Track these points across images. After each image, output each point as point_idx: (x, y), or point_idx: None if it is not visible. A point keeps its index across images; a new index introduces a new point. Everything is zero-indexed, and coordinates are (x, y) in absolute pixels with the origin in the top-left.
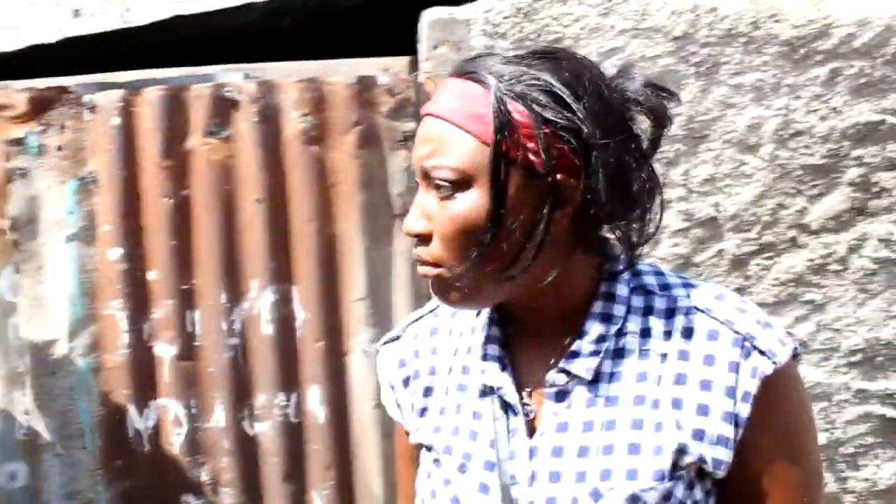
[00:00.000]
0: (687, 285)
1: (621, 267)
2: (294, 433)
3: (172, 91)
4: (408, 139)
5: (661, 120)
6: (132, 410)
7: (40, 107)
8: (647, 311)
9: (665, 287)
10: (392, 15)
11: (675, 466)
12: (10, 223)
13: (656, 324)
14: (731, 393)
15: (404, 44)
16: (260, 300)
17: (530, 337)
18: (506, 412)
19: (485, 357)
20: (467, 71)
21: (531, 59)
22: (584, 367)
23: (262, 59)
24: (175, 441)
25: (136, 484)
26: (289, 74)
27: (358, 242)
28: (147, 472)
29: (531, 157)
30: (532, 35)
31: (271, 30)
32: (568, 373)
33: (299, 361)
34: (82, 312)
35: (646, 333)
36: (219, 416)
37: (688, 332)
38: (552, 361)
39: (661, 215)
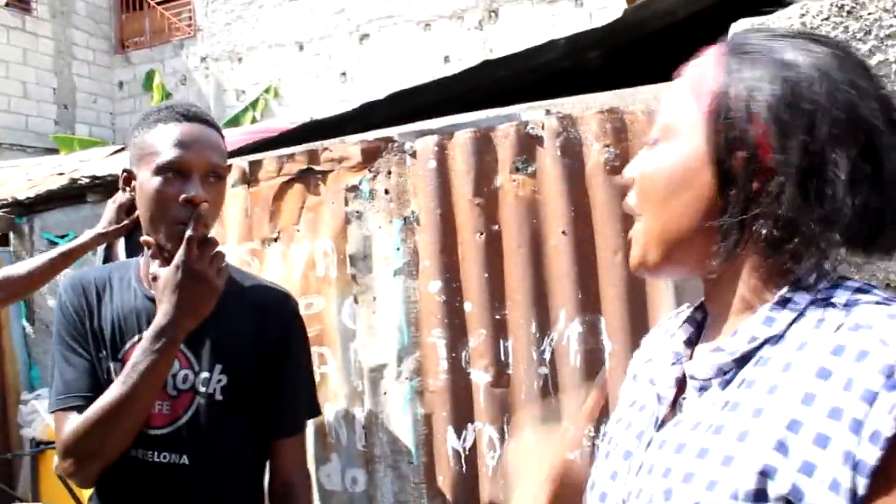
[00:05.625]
0: (884, 302)
1: (810, 279)
2: None
3: (480, 132)
4: None
5: None
6: (451, 431)
7: (370, 156)
8: (817, 324)
9: (853, 303)
10: (702, 33)
11: (760, 495)
12: (349, 260)
13: (818, 338)
14: (857, 428)
15: None
16: (568, 330)
17: (713, 336)
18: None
19: (662, 351)
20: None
21: (784, 36)
22: (714, 363)
23: (568, 95)
24: (489, 463)
25: (455, 500)
26: (588, 107)
27: None
28: (464, 489)
29: (732, 135)
30: (859, 34)
31: (575, 65)
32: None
33: (609, 393)
34: (408, 340)
35: (802, 346)
36: None
37: (839, 349)
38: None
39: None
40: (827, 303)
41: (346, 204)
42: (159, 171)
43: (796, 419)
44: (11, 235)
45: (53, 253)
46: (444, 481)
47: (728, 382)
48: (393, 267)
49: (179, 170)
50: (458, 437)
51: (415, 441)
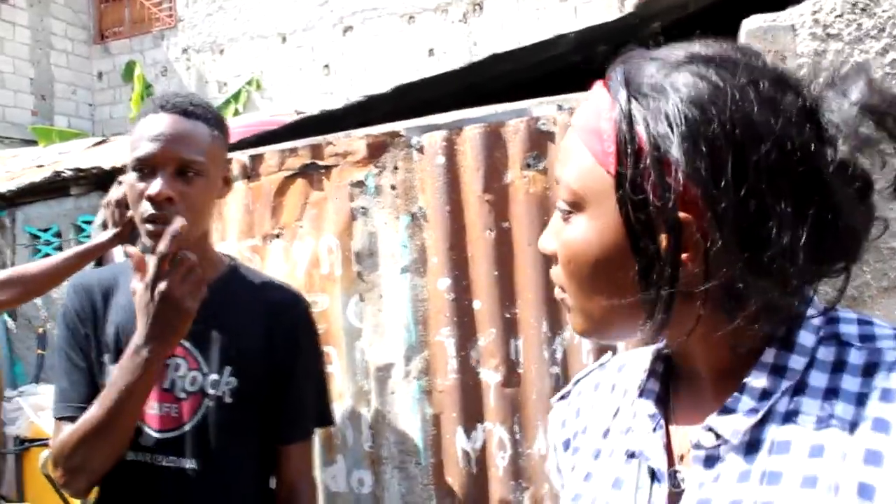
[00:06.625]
0: None
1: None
2: None
3: (490, 128)
4: None
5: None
6: (460, 432)
7: (376, 151)
8: (838, 366)
9: (868, 338)
10: (713, 29)
11: None
12: (355, 257)
13: (848, 383)
14: None
15: None
16: None
17: (694, 392)
18: (653, 480)
19: (634, 414)
20: (608, 75)
21: (680, 64)
22: (731, 427)
23: (574, 91)
24: (499, 464)
25: (464, 502)
26: None
27: None
28: (474, 490)
29: (647, 186)
30: (873, 31)
31: (585, 60)
32: (717, 434)
33: None
34: (416, 339)
35: (831, 394)
36: (541, 443)
37: (889, 395)
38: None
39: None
40: (839, 341)
41: (351, 200)
42: (134, 166)
43: (866, 483)
44: None
45: (69, 252)
46: (454, 482)
47: (749, 447)
48: (400, 264)
49: (148, 165)
50: (468, 438)
51: (423, 441)
